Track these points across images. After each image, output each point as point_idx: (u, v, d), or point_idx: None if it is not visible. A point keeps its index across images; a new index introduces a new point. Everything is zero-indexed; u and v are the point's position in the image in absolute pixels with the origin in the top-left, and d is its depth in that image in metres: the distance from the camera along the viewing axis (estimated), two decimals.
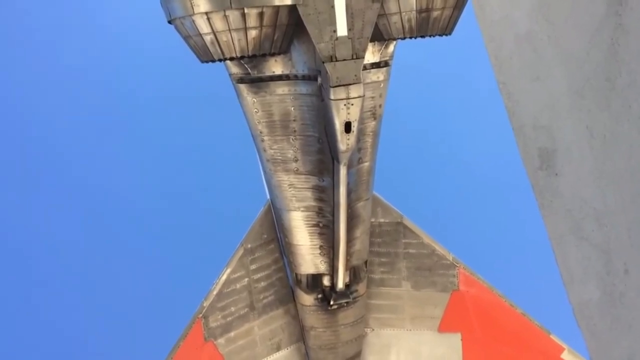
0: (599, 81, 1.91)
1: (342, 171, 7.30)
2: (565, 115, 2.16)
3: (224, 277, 9.37)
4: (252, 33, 6.19)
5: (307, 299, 9.26)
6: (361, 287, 9.40)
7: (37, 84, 44.91)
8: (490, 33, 2.54)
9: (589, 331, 2.30)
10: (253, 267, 9.56)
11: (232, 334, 9.64)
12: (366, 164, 8.08)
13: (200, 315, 9.29)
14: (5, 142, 44.24)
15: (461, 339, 10.37)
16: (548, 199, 2.42)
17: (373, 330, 10.53)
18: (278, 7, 6.00)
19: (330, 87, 6.13)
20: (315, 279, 9.08)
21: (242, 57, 6.43)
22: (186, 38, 6.35)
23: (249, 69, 7.03)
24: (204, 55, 6.37)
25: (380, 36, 6.80)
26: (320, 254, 8.74)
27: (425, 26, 6.79)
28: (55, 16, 45.66)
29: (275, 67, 6.99)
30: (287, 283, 9.91)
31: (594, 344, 2.22)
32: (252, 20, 6.06)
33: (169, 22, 6.42)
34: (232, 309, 9.53)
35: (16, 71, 44.50)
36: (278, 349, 10.24)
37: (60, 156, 46.02)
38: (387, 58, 7.38)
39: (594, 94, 1.96)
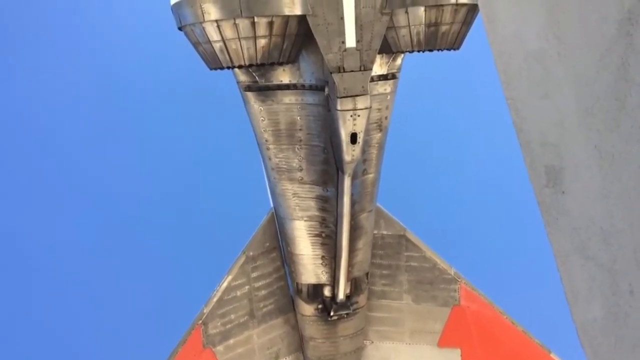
0: (608, 101, 1.91)
1: (347, 182, 7.30)
2: (574, 133, 2.16)
3: (225, 284, 9.36)
4: (262, 42, 6.23)
5: (307, 309, 9.22)
6: (362, 299, 9.37)
7: (42, 85, 45.15)
8: (499, 48, 2.54)
9: (592, 351, 2.27)
10: (254, 275, 9.54)
11: (231, 341, 9.61)
12: (371, 175, 8.08)
13: (200, 321, 9.27)
14: (6, 142, 44.43)
15: (460, 355, 10.30)
16: (554, 217, 2.40)
17: (372, 342, 10.47)
18: (288, 17, 6.04)
19: (338, 97, 6.15)
20: (316, 289, 9.06)
21: (250, 66, 6.47)
22: (196, 45, 6.40)
23: (256, 77, 7.06)
24: (213, 62, 6.42)
25: (388, 49, 6.84)
26: (322, 264, 8.73)
27: (434, 40, 6.82)
28: (66, 20, 46.00)
29: (283, 76, 7.02)
30: (287, 292, 9.88)
31: None
32: (261, 29, 6.10)
33: (179, 28, 6.47)
34: (232, 316, 9.50)
35: (16, 71, 44.79)
36: (276, 358, 10.19)
37: (65, 157, 46.15)
38: (394, 70, 7.41)
39: (603, 114, 1.95)
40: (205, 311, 9.30)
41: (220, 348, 9.54)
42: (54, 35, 45.20)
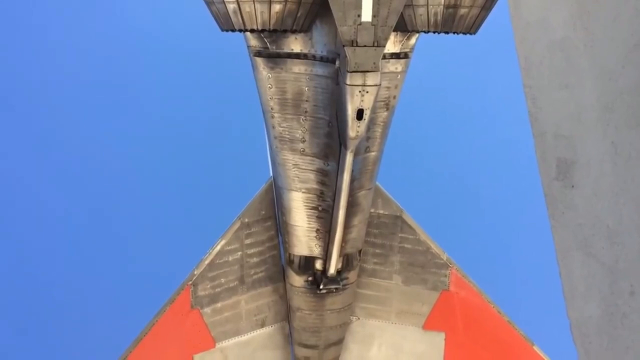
0: (631, 97, 1.86)
1: (349, 158, 7.25)
2: (591, 127, 2.11)
3: (218, 247, 9.38)
4: (276, 7, 6.11)
5: (297, 280, 9.26)
6: (352, 275, 9.40)
7: (37, 80, 44.85)
8: (522, 34, 2.48)
9: (584, 349, 2.27)
10: (248, 241, 9.56)
11: (219, 304, 9.68)
12: (373, 153, 8.03)
13: (190, 282, 9.32)
14: (6, 142, 44.27)
15: (444, 339, 10.40)
16: (560, 211, 2.38)
17: (358, 319, 10.56)
18: None
19: (348, 72, 6.06)
20: (308, 261, 9.08)
21: (262, 31, 6.35)
22: (209, 4, 6.27)
23: (267, 43, 6.94)
24: (225, 23, 6.29)
25: (403, 27, 6.71)
26: (316, 237, 8.73)
27: (451, 22, 6.69)
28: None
29: (295, 44, 6.91)
30: (279, 262, 9.92)
31: None
32: None
33: None
34: (222, 280, 9.55)
35: (16, 69, 44.42)
36: (262, 325, 10.28)
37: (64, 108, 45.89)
38: (407, 50, 7.29)
39: (624, 110, 1.90)
40: (195, 272, 9.35)
41: (207, 310, 9.61)
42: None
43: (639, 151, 1.86)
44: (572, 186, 2.26)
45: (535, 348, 9.89)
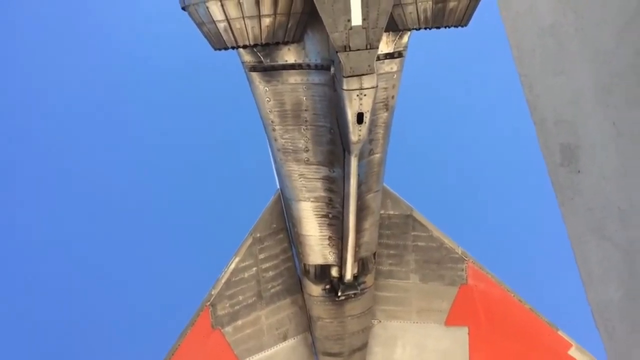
0: (628, 76, 1.84)
1: (353, 162, 7.24)
2: (591, 110, 2.10)
3: (233, 265, 9.37)
4: (266, 21, 6.13)
5: (315, 290, 9.24)
6: (369, 279, 9.36)
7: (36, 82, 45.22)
8: (513, 24, 2.47)
9: (607, 333, 2.24)
10: (262, 256, 9.54)
11: (239, 322, 9.65)
12: (377, 155, 8.01)
13: (208, 303, 9.30)
14: (6, 142, 44.62)
15: (468, 333, 10.32)
16: (569, 197, 2.36)
17: (380, 322, 10.50)
18: None
19: (344, 77, 6.06)
20: (324, 269, 9.05)
21: (255, 45, 6.37)
22: (199, 25, 6.31)
23: (261, 57, 6.96)
24: (217, 42, 6.33)
25: (394, 26, 6.71)
26: (329, 244, 8.71)
27: (441, 17, 6.69)
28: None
29: (288, 56, 6.92)
30: (295, 273, 9.89)
31: (612, 346, 2.16)
32: (266, 8, 6.00)
33: (183, 8, 6.37)
34: (240, 297, 9.53)
35: (16, 70, 44.83)
36: (285, 338, 10.24)
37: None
38: (401, 49, 7.29)
39: (622, 90, 1.89)
40: (213, 293, 9.33)
41: (229, 329, 9.60)
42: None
43: None
44: (578, 171, 2.25)
45: (560, 333, 9.80)
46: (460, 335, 10.35)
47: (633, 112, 1.84)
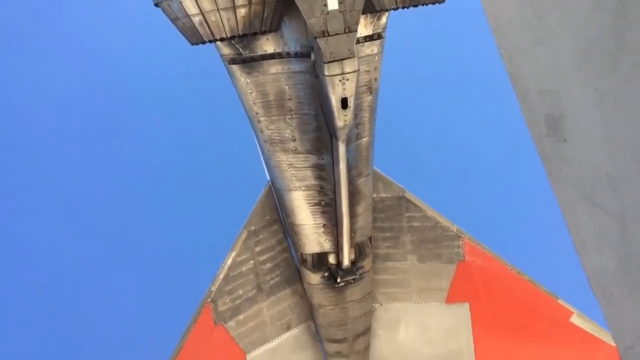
0: (606, 41, 1.81)
1: (341, 148, 7.20)
2: (572, 78, 2.07)
3: (230, 260, 9.35)
4: (241, 11, 6.06)
5: (314, 278, 9.24)
6: (367, 263, 9.38)
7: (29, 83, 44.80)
8: None
9: (606, 301, 2.23)
10: (258, 249, 9.53)
11: (241, 316, 9.67)
12: (365, 139, 7.98)
13: (209, 299, 9.30)
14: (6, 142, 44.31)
15: (469, 309, 10.39)
16: (557, 167, 2.33)
17: (381, 305, 10.55)
18: None
19: (324, 63, 6.01)
20: (321, 257, 9.06)
21: (232, 37, 6.31)
22: (174, 20, 6.21)
23: (240, 49, 6.89)
24: (194, 37, 6.24)
25: (372, 8, 6.66)
26: (324, 232, 8.70)
27: None
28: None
29: (267, 45, 6.85)
30: (292, 263, 9.90)
31: (612, 313, 2.15)
32: None
33: (156, 5, 6.27)
34: (240, 291, 9.54)
35: (16, 71, 44.42)
36: (288, 328, 10.28)
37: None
38: (380, 30, 7.23)
39: (601, 55, 1.86)
40: (212, 289, 9.33)
41: (231, 324, 9.61)
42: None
43: (624, 94, 1.82)
44: (565, 140, 2.22)
45: (560, 301, 9.88)
46: (462, 312, 10.42)
47: (613, 77, 1.82)
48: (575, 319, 9.90)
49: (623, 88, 1.84)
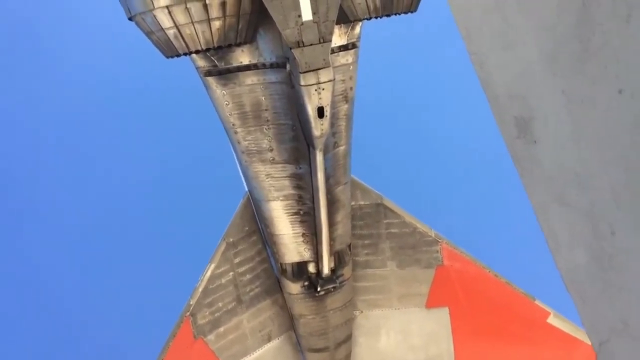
0: (572, 44, 1.89)
1: (319, 157, 7.25)
2: (540, 81, 2.14)
3: (209, 273, 9.29)
4: (216, 24, 6.08)
5: (294, 288, 9.23)
6: (346, 271, 9.41)
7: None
8: (457, 3, 2.50)
9: (580, 297, 2.29)
10: (237, 260, 9.49)
11: (221, 329, 9.59)
12: (342, 147, 8.04)
13: (188, 313, 9.22)
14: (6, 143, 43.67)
15: (449, 313, 10.48)
16: (528, 168, 2.40)
17: (362, 312, 10.57)
18: None
19: (300, 73, 6.06)
20: (301, 267, 9.06)
21: (207, 50, 6.31)
22: (149, 34, 6.20)
23: (215, 61, 6.90)
24: (169, 50, 6.24)
25: (345, 18, 6.74)
26: (303, 241, 8.71)
27: (390, 4, 6.75)
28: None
29: (243, 57, 6.88)
30: (272, 274, 9.87)
31: (586, 310, 2.21)
32: (214, 11, 5.95)
33: (130, 19, 6.26)
34: (220, 304, 9.47)
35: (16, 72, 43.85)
36: (269, 339, 10.23)
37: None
38: (354, 40, 7.32)
39: (567, 58, 1.93)
40: (192, 302, 9.25)
41: (211, 337, 9.53)
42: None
43: (589, 95, 1.89)
44: (535, 142, 2.29)
45: (537, 302, 10.03)
46: (442, 316, 10.50)
47: (579, 78, 1.89)
48: (552, 320, 10.06)
49: (589, 89, 1.91)
